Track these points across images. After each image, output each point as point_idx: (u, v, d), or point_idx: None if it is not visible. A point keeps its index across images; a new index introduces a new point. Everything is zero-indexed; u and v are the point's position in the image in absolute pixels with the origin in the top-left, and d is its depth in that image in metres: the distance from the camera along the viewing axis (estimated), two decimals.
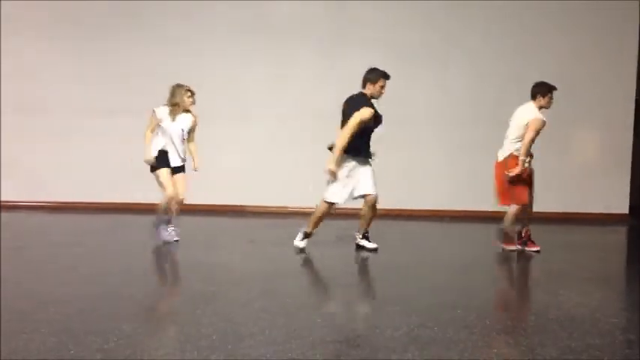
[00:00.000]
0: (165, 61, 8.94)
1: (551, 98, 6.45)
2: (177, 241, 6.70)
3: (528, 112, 6.42)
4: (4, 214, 8.16)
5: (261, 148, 9.09)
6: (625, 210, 9.31)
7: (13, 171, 9.07)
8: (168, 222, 6.79)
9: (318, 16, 9.10)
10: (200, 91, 8.92)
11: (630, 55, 9.18)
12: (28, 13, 9.09)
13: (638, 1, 9.09)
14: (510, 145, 6.50)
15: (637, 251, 7.62)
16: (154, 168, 6.71)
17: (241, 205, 8.93)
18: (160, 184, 6.69)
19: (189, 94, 6.78)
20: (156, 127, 6.68)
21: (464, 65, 9.08)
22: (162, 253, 6.53)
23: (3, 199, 8.87)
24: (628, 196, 9.36)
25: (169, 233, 6.74)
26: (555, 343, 3.94)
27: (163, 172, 6.67)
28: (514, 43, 9.07)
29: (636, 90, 9.27)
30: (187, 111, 6.82)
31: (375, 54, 8.95)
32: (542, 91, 6.44)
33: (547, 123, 6.37)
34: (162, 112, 6.70)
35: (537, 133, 6.36)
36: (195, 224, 8.01)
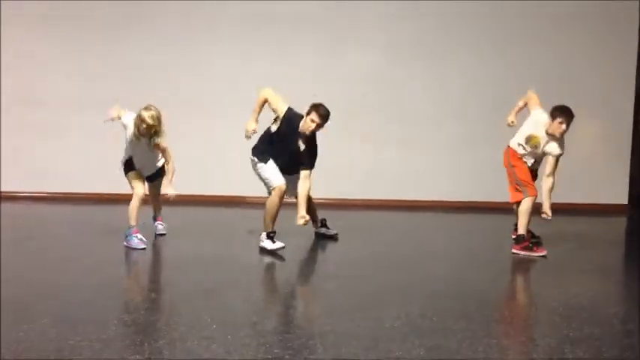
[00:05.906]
0: (164, 57, 8.89)
1: (560, 124, 6.07)
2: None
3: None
4: (4, 205, 8.15)
5: None
6: (624, 200, 9.30)
7: (14, 162, 9.05)
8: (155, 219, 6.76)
9: (316, 14, 9.07)
10: (201, 84, 8.96)
11: (631, 48, 9.15)
12: (28, 7, 9.04)
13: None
14: None
15: (636, 242, 7.63)
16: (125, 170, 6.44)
17: (241, 196, 8.91)
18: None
19: (141, 122, 5.89)
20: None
21: (463, 62, 9.05)
22: (162, 243, 6.53)
23: (3, 189, 8.86)
24: (627, 187, 9.35)
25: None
26: (554, 333, 3.96)
27: (130, 174, 6.39)
28: (514, 39, 9.02)
29: (636, 80, 9.25)
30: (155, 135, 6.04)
31: (373, 52, 8.96)
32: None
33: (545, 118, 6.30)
34: (129, 120, 6.14)
35: None
36: (194, 215, 8.00)
